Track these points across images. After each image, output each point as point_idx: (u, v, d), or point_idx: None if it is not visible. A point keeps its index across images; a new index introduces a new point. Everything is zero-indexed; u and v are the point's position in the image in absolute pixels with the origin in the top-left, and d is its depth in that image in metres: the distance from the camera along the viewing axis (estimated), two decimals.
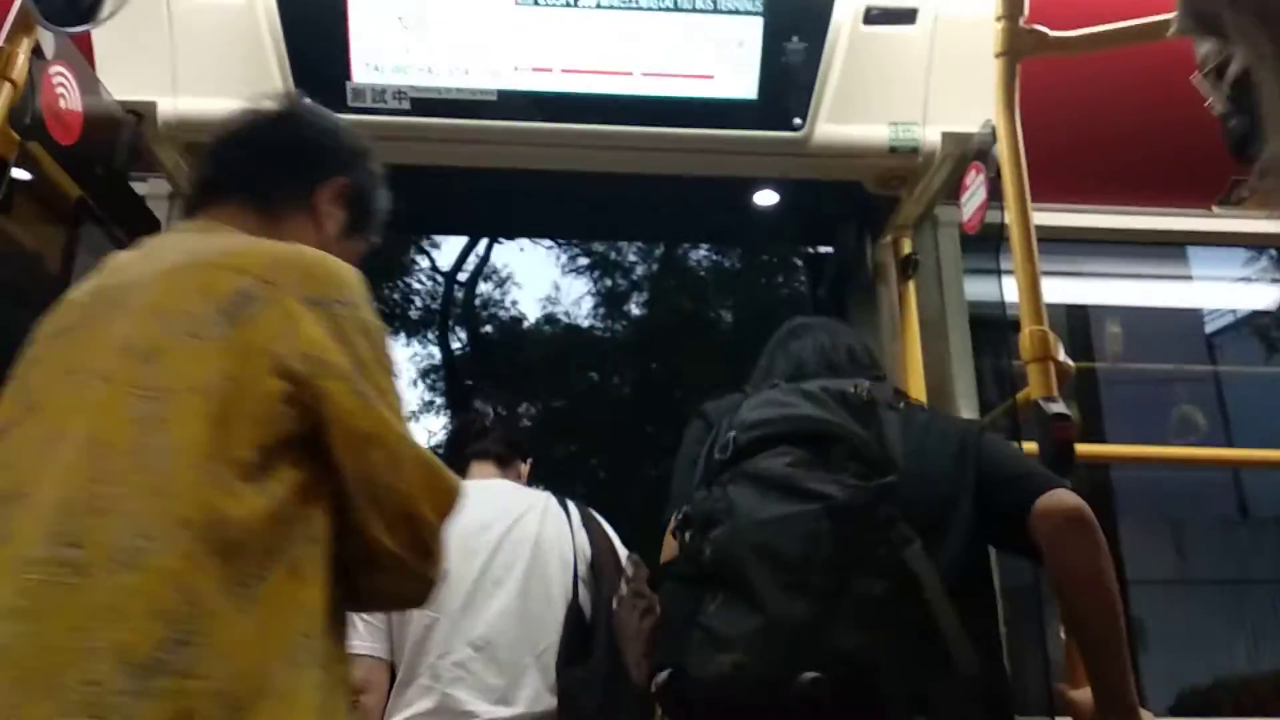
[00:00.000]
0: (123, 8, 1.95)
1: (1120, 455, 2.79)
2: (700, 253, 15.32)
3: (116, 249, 2.24)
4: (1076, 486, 1.85)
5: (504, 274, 17.79)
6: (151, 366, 1.04)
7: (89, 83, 2.13)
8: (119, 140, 2.27)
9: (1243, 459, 2.85)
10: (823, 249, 2.96)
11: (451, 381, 17.71)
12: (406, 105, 2.32)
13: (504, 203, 2.83)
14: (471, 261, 17.06)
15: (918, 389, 2.58)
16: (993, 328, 2.69)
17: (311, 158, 1.36)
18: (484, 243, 16.56)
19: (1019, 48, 2.04)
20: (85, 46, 2.20)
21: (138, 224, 2.42)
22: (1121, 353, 3.67)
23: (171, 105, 2.33)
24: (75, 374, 1.06)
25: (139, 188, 2.56)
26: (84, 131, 2.07)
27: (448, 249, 16.95)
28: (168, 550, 0.95)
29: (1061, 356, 1.92)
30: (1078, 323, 3.50)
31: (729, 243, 12.61)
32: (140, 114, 2.32)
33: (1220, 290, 4.11)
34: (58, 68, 1.95)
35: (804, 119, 2.36)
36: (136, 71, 2.31)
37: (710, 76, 2.35)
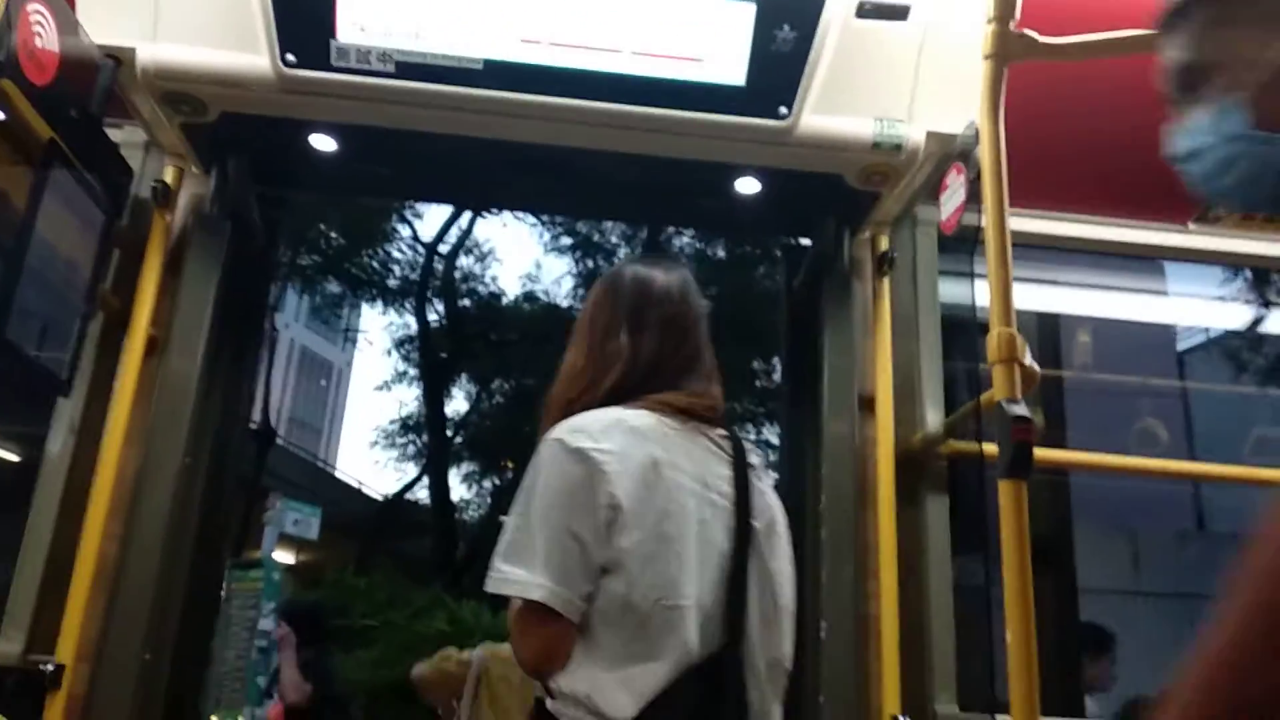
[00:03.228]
0: None
1: (1079, 462, 2.81)
2: (684, 239, 15.33)
3: (86, 193, 2.22)
4: (1034, 492, 1.88)
5: (485, 249, 17.78)
6: None
7: (67, 23, 2.09)
8: (95, 84, 2.23)
9: (1197, 472, 2.88)
10: (802, 241, 2.95)
11: (426, 353, 17.67)
12: (391, 68, 2.29)
13: (485, 173, 2.80)
14: (453, 234, 17.01)
15: (885, 385, 2.59)
16: (964, 329, 2.70)
17: None
18: (467, 216, 16.51)
19: (1008, 51, 2.04)
20: None
21: (110, 170, 2.40)
22: (1090, 364, 3.69)
23: (151, 53, 2.29)
24: None
25: (114, 135, 2.53)
26: (59, 72, 2.04)
27: (430, 220, 16.91)
28: None
29: (1028, 360, 1.93)
30: (1048, 331, 3.52)
31: (708, 228, 12.57)
32: (119, 59, 2.29)
33: (1196, 307, 4.15)
34: (35, 5, 1.91)
35: (790, 108, 2.35)
36: (117, 16, 2.27)
37: (699, 60, 2.34)
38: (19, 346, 2.07)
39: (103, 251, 2.36)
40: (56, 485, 2.40)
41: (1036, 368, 1.98)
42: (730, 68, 2.33)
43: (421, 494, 18.67)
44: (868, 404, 2.64)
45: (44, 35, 1.95)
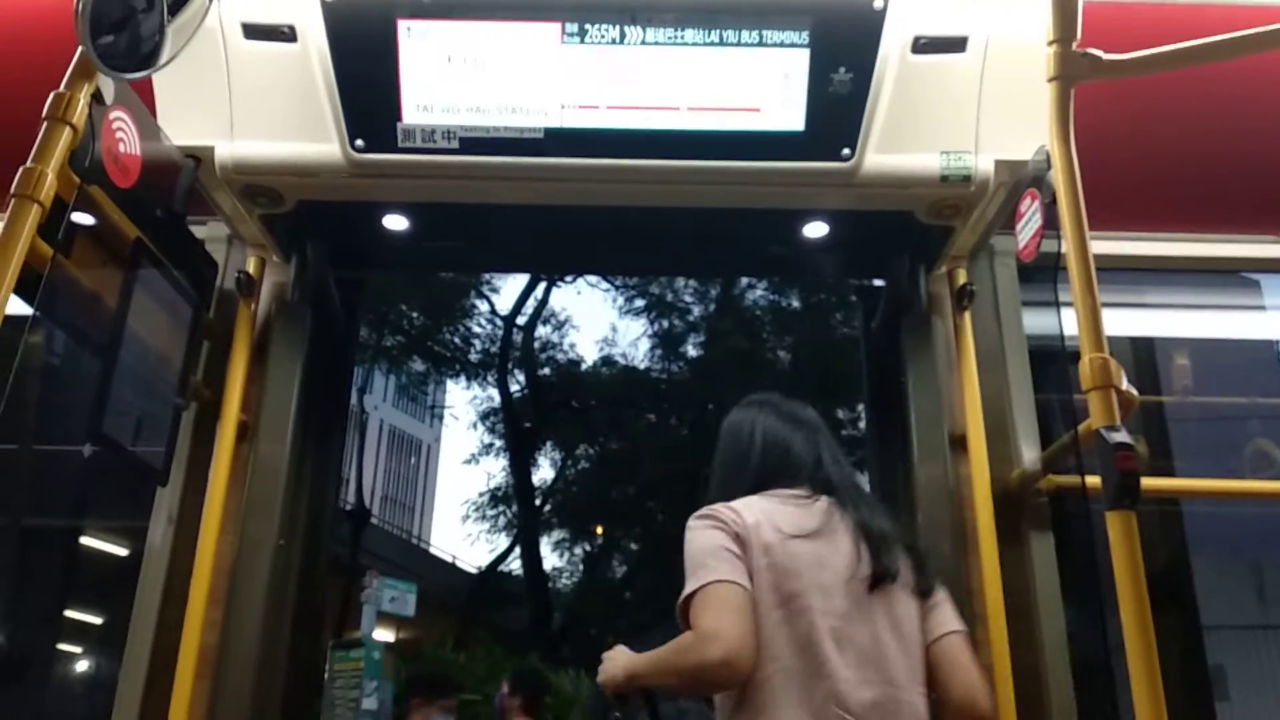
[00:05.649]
0: (179, 54, 2.01)
1: (1189, 489, 2.68)
2: (757, 292, 15.31)
3: (174, 289, 2.30)
4: (1145, 526, 1.78)
5: (562, 317, 17.98)
6: None
7: (148, 127, 2.19)
8: (177, 184, 2.33)
9: None
10: (876, 282, 2.91)
11: (510, 424, 17.84)
12: (455, 144, 2.34)
13: (554, 239, 2.84)
14: (530, 305, 17.27)
15: (975, 423, 2.51)
16: (1053, 359, 2.62)
17: None
18: (542, 286, 16.77)
19: (1072, 72, 1.99)
20: (145, 92, 2.27)
21: (196, 266, 2.49)
22: (1191, 386, 3.53)
23: (229, 149, 2.39)
24: None
25: (198, 231, 2.63)
26: (143, 175, 2.13)
27: (507, 293, 17.19)
28: None
29: (1125, 385, 1.85)
30: (1143, 356, 3.38)
31: (780, 275, 12.52)
32: (199, 158, 2.38)
33: None
34: (117, 113, 2.01)
35: (853, 149, 2.33)
36: (195, 116, 2.37)
37: (757, 109, 2.34)
38: (117, 441, 2.14)
39: (193, 343, 2.44)
40: (159, 574, 2.45)
41: (1135, 392, 1.89)
42: (789, 114, 2.33)
43: (515, 565, 18.71)
44: (959, 443, 2.56)
45: (127, 141, 2.05)
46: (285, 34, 2.34)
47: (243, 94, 2.39)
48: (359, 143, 2.34)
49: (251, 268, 2.66)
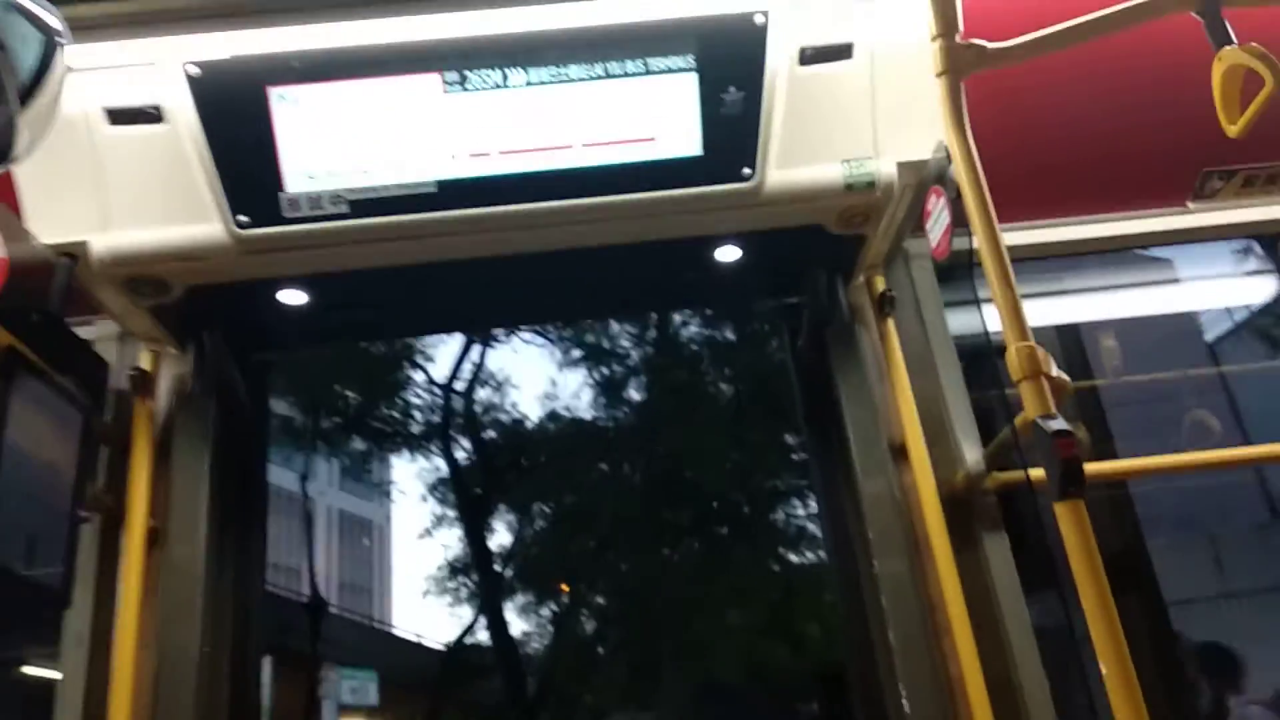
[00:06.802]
0: (38, 146, 1.89)
1: (1134, 469, 2.65)
2: (692, 329, 15.35)
3: (58, 395, 2.15)
4: (1096, 510, 1.73)
5: (501, 377, 17.82)
6: None
7: (12, 228, 2.06)
8: (51, 284, 2.19)
9: (1256, 456, 2.71)
10: (798, 300, 2.86)
11: (461, 492, 17.55)
12: (345, 208, 2.25)
13: (462, 295, 2.74)
14: (467, 369, 17.10)
15: (913, 429, 2.46)
16: (983, 357, 2.58)
17: None
18: (477, 349, 16.63)
19: (959, 65, 1.97)
20: (8, 193, 2.15)
21: (83, 368, 2.35)
22: (1121, 367, 3.54)
23: (105, 241, 2.26)
24: None
25: (85, 332, 2.50)
26: (11, 278, 1.99)
27: (442, 361, 17.02)
28: None
29: (1055, 372, 1.81)
30: (1071, 343, 3.38)
31: (699, 305, 12.54)
32: (74, 255, 2.25)
33: (1218, 289, 4.00)
34: None
35: (753, 168, 2.28)
36: (65, 211, 2.25)
37: (652, 139, 2.28)
38: (8, 567, 1.98)
39: (87, 450, 2.29)
40: (76, 701, 2.28)
41: (1066, 378, 1.85)
42: (685, 140, 2.28)
43: (482, 635, 18.33)
44: (900, 452, 2.51)
45: None
46: (152, 115, 2.24)
47: (115, 182, 2.27)
48: (242, 219, 2.23)
49: (145, 363, 2.52)
